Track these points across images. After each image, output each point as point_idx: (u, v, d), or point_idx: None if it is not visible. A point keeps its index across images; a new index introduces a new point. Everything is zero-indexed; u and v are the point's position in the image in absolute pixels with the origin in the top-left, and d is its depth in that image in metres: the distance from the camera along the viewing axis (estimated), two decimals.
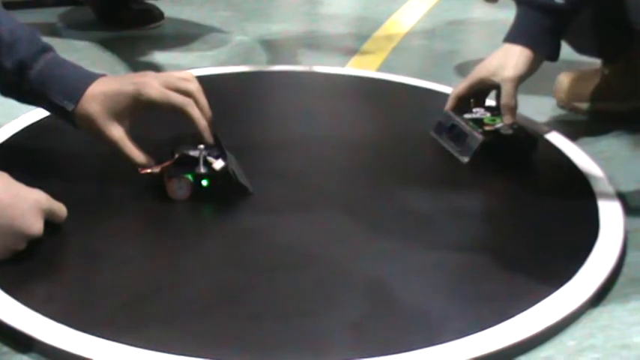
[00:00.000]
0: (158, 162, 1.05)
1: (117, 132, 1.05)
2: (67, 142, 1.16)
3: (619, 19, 1.27)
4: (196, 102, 1.06)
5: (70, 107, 1.05)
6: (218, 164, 1.04)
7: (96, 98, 1.04)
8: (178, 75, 1.09)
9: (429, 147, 1.26)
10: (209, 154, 1.05)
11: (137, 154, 1.06)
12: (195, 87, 1.07)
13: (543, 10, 1.20)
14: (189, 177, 1.04)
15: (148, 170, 1.04)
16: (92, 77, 1.06)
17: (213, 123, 1.07)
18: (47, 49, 1.07)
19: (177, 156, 1.05)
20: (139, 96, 1.04)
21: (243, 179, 1.08)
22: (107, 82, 1.07)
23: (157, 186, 1.05)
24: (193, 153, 1.05)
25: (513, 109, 1.22)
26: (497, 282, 0.93)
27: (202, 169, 1.04)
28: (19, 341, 0.82)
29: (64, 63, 1.08)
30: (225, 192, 1.06)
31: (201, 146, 1.05)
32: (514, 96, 1.21)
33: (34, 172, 1.10)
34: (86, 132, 1.07)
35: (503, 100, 1.21)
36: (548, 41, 1.22)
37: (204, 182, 1.05)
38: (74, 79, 1.06)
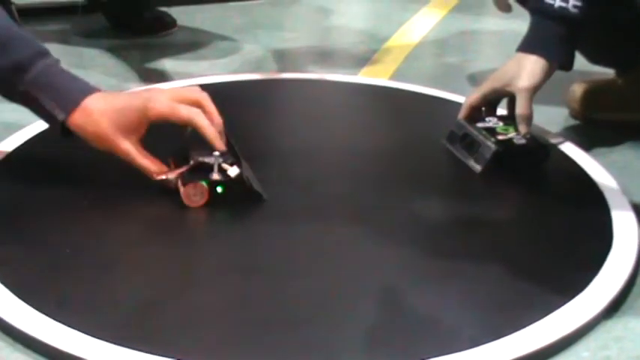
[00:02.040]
0: (173, 168, 1.06)
1: (127, 146, 1.05)
2: (81, 148, 1.16)
3: (633, 29, 1.27)
4: (205, 111, 1.06)
5: (60, 116, 1.05)
6: (233, 171, 1.05)
7: (105, 114, 1.04)
8: (185, 87, 1.10)
9: (441, 156, 1.25)
10: (224, 161, 1.05)
11: (149, 165, 1.06)
12: (202, 95, 1.07)
13: (557, 19, 1.20)
14: (204, 183, 1.04)
15: (163, 177, 1.05)
16: (88, 91, 1.06)
17: (225, 130, 1.07)
18: (45, 52, 1.07)
19: (192, 163, 1.05)
20: (147, 110, 1.05)
21: (257, 186, 1.08)
22: (114, 97, 1.07)
23: (171, 192, 1.05)
24: (208, 160, 1.05)
25: (529, 120, 1.21)
26: (510, 291, 0.93)
27: (217, 176, 1.05)
28: (30, 346, 0.82)
29: (62, 71, 1.07)
30: (240, 198, 1.06)
31: (216, 153, 1.05)
32: (530, 106, 1.21)
33: (49, 178, 1.11)
34: (96, 147, 1.06)
35: (519, 110, 1.21)
36: (562, 50, 1.22)
37: (219, 189, 1.05)
38: (70, 90, 1.06)
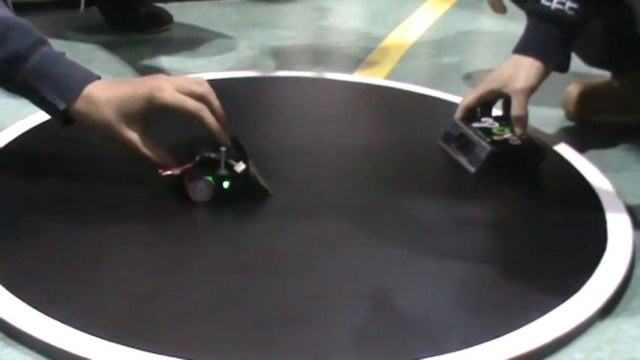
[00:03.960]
0: (179, 164, 1.05)
1: (133, 135, 1.04)
2: (79, 141, 1.15)
3: (629, 31, 1.27)
4: (210, 106, 1.05)
5: (61, 106, 1.04)
6: (239, 167, 1.05)
7: (109, 102, 1.03)
8: (190, 79, 1.09)
9: (436, 156, 1.25)
10: (230, 157, 1.05)
11: (154, 157, 1.05)
12: (208, 90, 1.06)
13: (554, 21, 1.20)
14: (211, 179, 1.04)
15: (169, 172, 1.04)
16: (88, 79, 1.05)
17: (230, 126, 1.07)
18: (43, 41, 1.06)
19: (198, 158, 1.05)
20: (153, 99, 1.04)
21: (263, 181, 1.08)
22: (118, 85, 1.06)
23: (176, 187, 1.05)
24: (215, 155, 1.05)
25: (524, 121, 1.21)
26: (504, 293, 0.93)
27: (224, 172, 1.04)
28: (21, 341, 0.81)
29: (60, 59, 1.06)
30: (246, 194, 1.06)
31: (223, 148, 1.05)
32: (525, 108, 1.21)
33: (44, 173, 1.10)
34: (100, 136, 1.06)
35: (515, 112, 1.21)
36: (559, 53, 1.22)
37: (226, 184, 1.04)
38: (70, 78, 1.05)
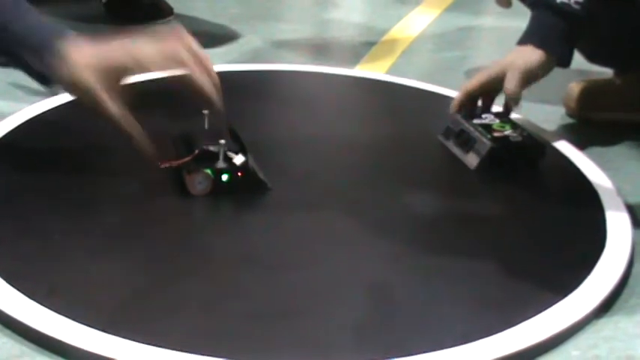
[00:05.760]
0: (178, 156, 1.05)
1: (116, 108, 1.00)
2: (76, 133, 1.15)
3: (633, 29, 1.27)
4: (200, 65, 1.01)
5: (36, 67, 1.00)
6: (238, 159, 1.04)
7: (90, 66, 0.99)
8: (175, 40, 1.03)
9: (436, 151, 1.25)
10: (229, 149, 1.05)
11: (137, 132, 1.02)
12: (196, 52, 1.01)
13: (559, 14, 1.20)
14: (209, 172, 1.03)
15: (167, 164, 1.04)
16: (59, 32, 1.01)
17: (229, 118, 1.06)
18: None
19: (197, 151, 1.05)
20: (141, 70, 1.00)
21: (262, 175, 1.07)
22: (98, 50, 1.01)
23: (174, 180, 1.05)
24: (213, 148, 1.05)
25: (515, 95, 1.20)
26: (501, 289, 0.92)
27: (223, 164, 1.04)
28: (20, 333, 0.81)
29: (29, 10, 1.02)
30: (245, 187, 1.05)
31: (222, 141, 1.04)
32: (518, 84, 1.19)
33: (41, 163, 1.10)
34: (79, 101, 1.02)
35: (506, 84, 1.19)
36: (561, 45, 1.21)
37: (225, 177, 1.04)
38: (41, 32, 1.01)
